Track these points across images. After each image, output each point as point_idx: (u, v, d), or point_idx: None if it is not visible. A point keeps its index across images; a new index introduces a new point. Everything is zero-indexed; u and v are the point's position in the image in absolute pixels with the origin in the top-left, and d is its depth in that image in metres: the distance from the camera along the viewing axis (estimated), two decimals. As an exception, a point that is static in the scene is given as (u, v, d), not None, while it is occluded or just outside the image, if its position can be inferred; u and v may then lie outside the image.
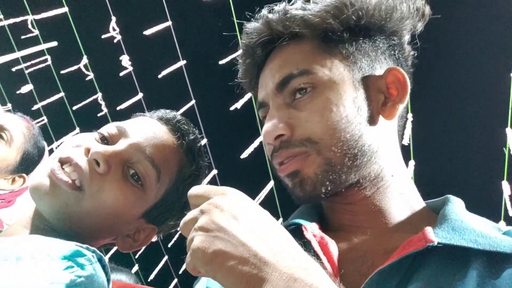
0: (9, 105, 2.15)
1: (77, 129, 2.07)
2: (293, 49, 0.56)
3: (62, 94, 2.08)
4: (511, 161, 1.25)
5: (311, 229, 0.52)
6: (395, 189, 0.55)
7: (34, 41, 1.96)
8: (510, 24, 1.17)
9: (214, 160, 1.66)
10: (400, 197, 0.55)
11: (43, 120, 2.11)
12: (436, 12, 0.60)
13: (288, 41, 0.57)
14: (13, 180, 1.16)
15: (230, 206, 0.39)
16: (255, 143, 1.60)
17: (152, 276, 2.10)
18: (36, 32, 1.95)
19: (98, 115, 2.00)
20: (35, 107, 2.10)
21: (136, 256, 2.08)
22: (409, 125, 1.21)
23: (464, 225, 0.46)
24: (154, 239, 0.69)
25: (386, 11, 0.55)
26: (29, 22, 1.91)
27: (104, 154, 0.57)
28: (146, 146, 0.61)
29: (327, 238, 0.50)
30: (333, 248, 0.49)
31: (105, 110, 2.01)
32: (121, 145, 0.60)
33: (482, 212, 0.53)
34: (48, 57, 2.02)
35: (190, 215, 0.41)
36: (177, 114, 0.70)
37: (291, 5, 0.58)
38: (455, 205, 0.51)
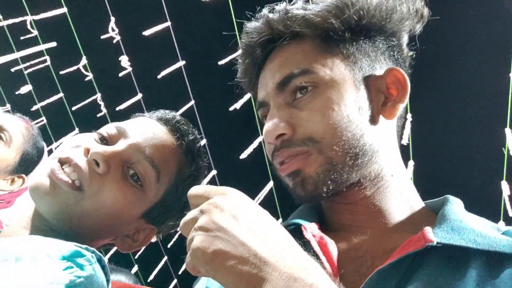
0: (8, 106, 2.15)
1: (77, 130, 2.07)
2: (294, 49, 0.56)
3: (61, 94, 2.08)
4: (510, 161, 1.25)
5: (311, 229, 0.52)
6: (394, 189, 0.55)
7: (33, 42, 1.96)
8: (509, 24, 1.17)
9: (214, 160, 1.66)
10: (400, 197, 0.55)
11: (42, 120, 2.11)
12: (436, 12, 0.60)
13: (289, 41, 0.57)
14: (12, 181, 1.16)
15: (230, 206, 0.39)
16: (255, 144, 1.60)
17: (151, 277, 2.10)
18: (35, 32, 1.95)
19: (98, 115, 2.00)
20: (34, 107, 2.09)
21: (136, 257, 2.08)
22: (408, 125, 1.21)
23: (463, 225, 0.46)
24: (153, 239, 0.69)
25: (387, 12, 0.55)
26: (28, 23, 1.91)
27: (104, 154, 0.57)
28: (146, 147, 0.61)
29: (326, 238, 0.50)
30: (333, 248, 0.49)
31: (104, 110, 2.01)
32: (120, 145, 0.60)
33: (481, 212, 0.53)
34: (47, 57, 2.02)
35: (190, 215, 0.41)
36: (177, 115, 0.70)
37: (292, 5, 0.58)
38: (454, 205, 0.51)
